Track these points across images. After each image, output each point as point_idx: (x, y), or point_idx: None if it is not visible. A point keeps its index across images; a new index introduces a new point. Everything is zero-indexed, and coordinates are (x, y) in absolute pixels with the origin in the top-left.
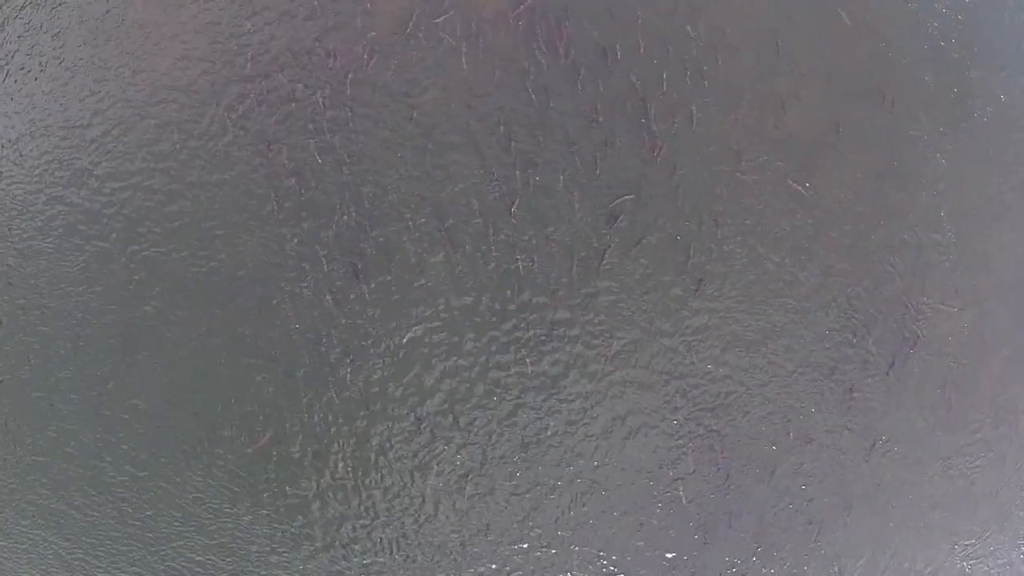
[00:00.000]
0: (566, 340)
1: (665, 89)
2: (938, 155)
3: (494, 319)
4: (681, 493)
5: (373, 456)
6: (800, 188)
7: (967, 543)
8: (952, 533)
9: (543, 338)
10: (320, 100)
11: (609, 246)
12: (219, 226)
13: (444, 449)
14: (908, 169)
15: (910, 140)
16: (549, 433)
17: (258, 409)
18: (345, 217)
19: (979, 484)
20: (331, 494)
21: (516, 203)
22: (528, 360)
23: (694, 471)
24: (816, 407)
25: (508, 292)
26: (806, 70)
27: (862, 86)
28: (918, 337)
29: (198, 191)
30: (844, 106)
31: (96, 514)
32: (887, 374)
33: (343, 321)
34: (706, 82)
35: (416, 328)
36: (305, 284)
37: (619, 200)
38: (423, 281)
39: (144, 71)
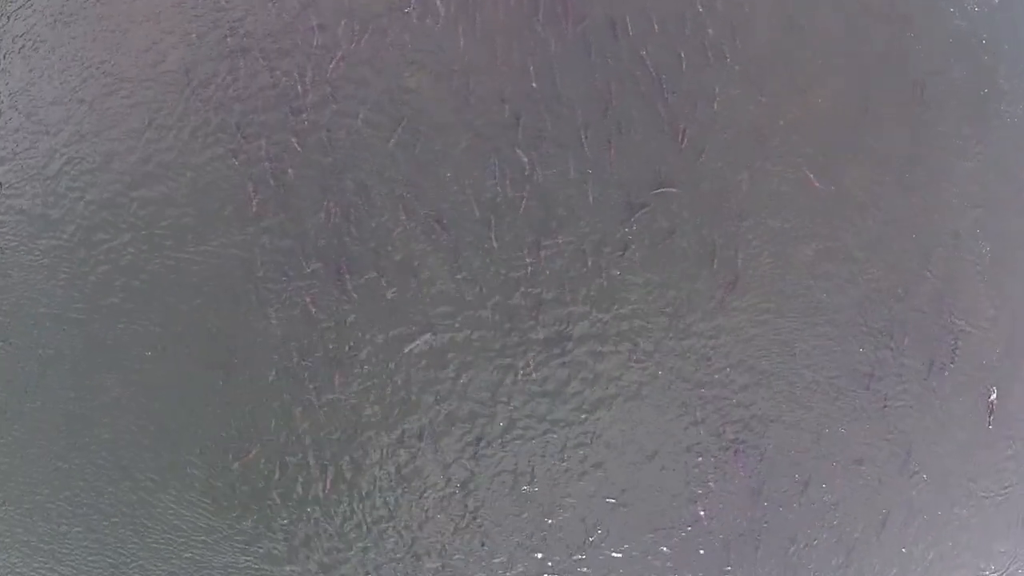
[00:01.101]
0: (579, 348)
1: (684, 68)
2: (968, 155)
3: (497, 325)
4: (702, 513)
5: (363, 475)
6: (827, 178)
7: (994, 571)
8: (981, 556)
9: (553, 346)
10: (301, 82)
11: (631, 242)
12: (186, 215)
13: (442, 468)
14: (937, 166)
15: (939, 135)
16: (559, 447)
17: (235, 422)
18: (327, 211)
19: (1009, 507)
20: (315, 511)
21: (521, 194)
22: (534, 370)
23: (718, 489)
24: (850, 418)
25: (512, 295)
26: (830, 51)
27: (891, 72)
28: (956, 344)
29: (164, 178)
30: (872, 92)
31: (65, 525)
32: (925, 378)
33: (325, 328)
34: (728, 60)
35: (408, 336)
36: (283, 286)
37: (658, 191)
38: (415, 284)
39: (115, 48)
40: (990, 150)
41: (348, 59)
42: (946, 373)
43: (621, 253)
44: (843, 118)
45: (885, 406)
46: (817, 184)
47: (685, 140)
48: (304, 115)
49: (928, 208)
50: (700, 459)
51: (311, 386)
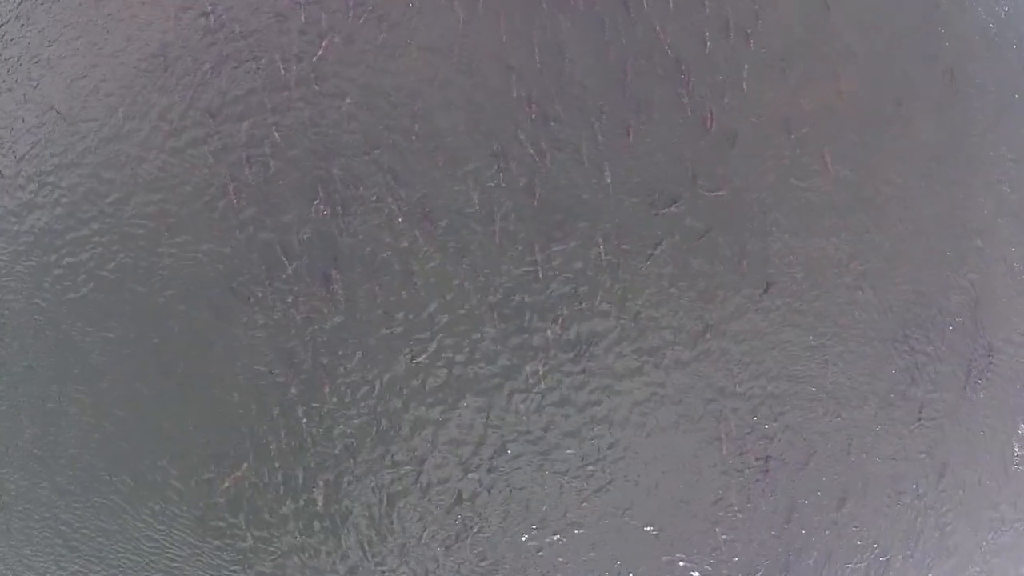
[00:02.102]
0: (594, 354)
1: (708, 48)
2: (999, 153)
3: (501, 329)
4: (723, 537)
5: (357, 492)
6: (859, 171)
7: None
8: None
9: (565, 352)
10: (283, 63)
11: (662, 239)
12: (155, 206)
13: (443, 483)
14: (969, 163)
15: (971, 129)
16: (570, 462)
17: (214, 435)
18: (312, 207)
19: None
20: (302, 529)
21: (527, 184)
22: (543, 378)
23: (745, 507)
24: (884, 428)
25: (518, 297)
26: (861, 33)
27: (926, 59)
28: (991, 349)
29: (136, 172)
30: (906, 79)
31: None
32: (964, 388)
33: (311, 332)
34: (752, 41)
35: (405, 340)
36: (264, 290)
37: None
38: (410, 284)
39: (86, 25)
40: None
41: (336, 37)
42: (981, 382)
43: (651, 252)
44: (874, 108)
45: (920, 418)
46: (847, 176)
47: (714, 125)
48: (286, 97)
49: (962, 210)
50: (726, 477)
51: (296, 396)
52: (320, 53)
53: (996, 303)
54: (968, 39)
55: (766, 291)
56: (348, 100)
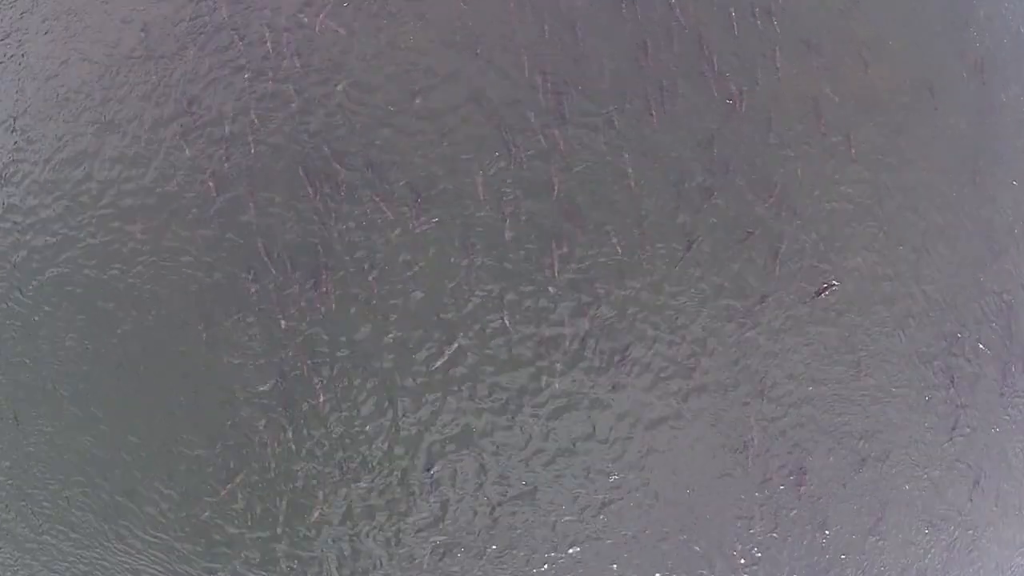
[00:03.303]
0: (615, 356)
1: (737, 31)
2: None
3: (511, 333)
4: (759, 554)
5: (358, 507)
6: (891, 163)
7: None
8: None
9: (580, 355)
10: (268, 40)
11: (697, 235)
12: (130, 198)
13: (461, 502)
14: (1000, 159)
15: (1002, 122)
16: (587, 469)
17: (206, 449)
18: (301, 197)
19: None
20: (299, 542)
21: (538, 173)
22: (557, 380)
23: (775, 525)
24: (922, 437)
25: (530, 298)
26: (890, 20)
27: (954, 48)
28: None
29: (113, 160)
30: (936, 67)
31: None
32: (1000, 394)
33: (301, 338)
34: (776, 22)
35: (395, 344)
36: (247, 288)
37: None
38: (410, 283)
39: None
40: None
41: (327, 16)
42: (1018, 385)
43: (685, 247)
44: (907, 97)
45: (955, 427)
46: (880, 166)
47: (743, 107)
48: (267, 81)
49: (993, 202)
50: (756, 493)
51: (289, 405)
52: (312, 34)
53: None
54: (998, 34)
55: (816, 295)
56: (339, 88)
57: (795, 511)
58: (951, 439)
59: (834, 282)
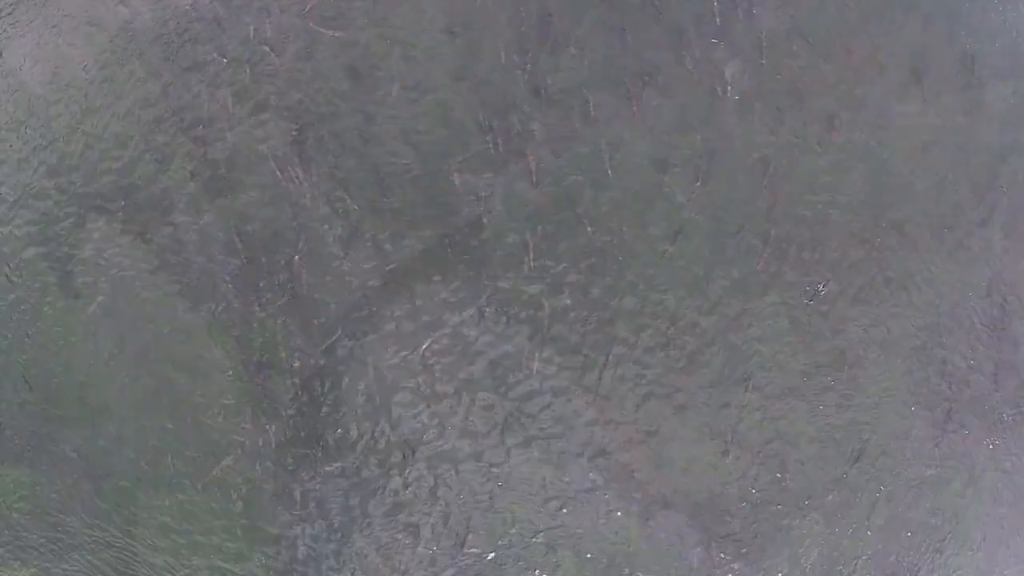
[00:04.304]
0: (599, 355)
1: (718, 17)
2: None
3: (493, 330)
4: (743, 550)
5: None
6: (882, 155)
7: None
8: None
9: (569, 352)
10: (273, 30)
11: (682, 226)
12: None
13: (435, 505)
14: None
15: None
16: (573, 468)
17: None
18: (273, 181)
19: None
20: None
21: (515, 161)
22: (537, 369)
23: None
24: (911, 433)
25: (514, 294)
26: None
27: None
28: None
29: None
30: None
31: None
32: (995, 391)
33: (277, 332)
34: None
35: (406, 337)
36: (222, 279)
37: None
38: (384, 282)
39: None
40: None
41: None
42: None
43: (671, 239)
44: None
45: (948, 421)
46: (868, 154)
47: (727, 93)
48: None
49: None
50: (743, 503)
51: (276, 402)
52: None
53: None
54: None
55: (816, 294)
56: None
57: (779, 506)
58: (942, 435)
59: (828, 278)
